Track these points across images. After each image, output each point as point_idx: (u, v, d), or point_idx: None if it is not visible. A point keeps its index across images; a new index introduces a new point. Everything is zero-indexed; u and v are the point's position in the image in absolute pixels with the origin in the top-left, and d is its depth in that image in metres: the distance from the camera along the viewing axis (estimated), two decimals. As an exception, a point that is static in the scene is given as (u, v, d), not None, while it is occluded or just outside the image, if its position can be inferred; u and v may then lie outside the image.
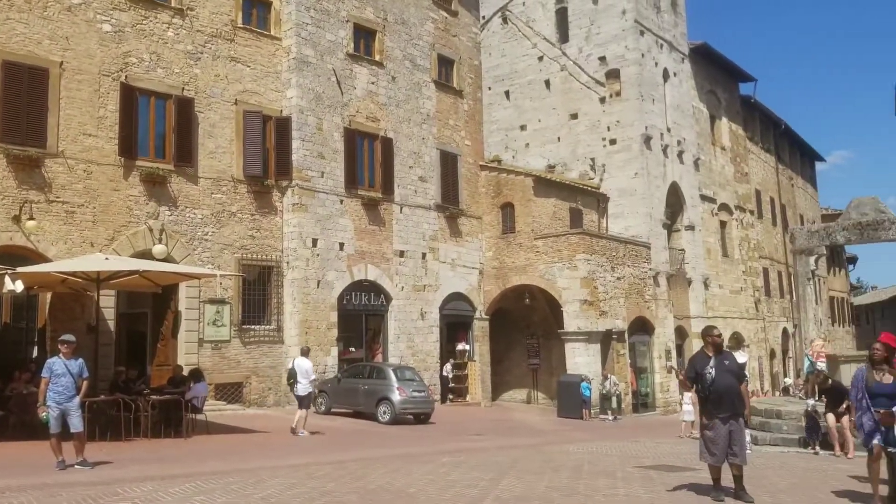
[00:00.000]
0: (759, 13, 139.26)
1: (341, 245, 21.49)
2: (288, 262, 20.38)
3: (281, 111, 20.81)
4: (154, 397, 14.03)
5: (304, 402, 15.03)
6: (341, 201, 21.70)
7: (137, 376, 15.67)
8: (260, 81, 20.51)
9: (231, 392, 19.12)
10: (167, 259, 17.54)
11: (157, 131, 18.33)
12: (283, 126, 20.66)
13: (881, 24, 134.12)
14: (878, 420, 7.73)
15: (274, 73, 20.89)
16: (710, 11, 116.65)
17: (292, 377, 15.33)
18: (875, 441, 7.72)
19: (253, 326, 19.67)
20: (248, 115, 19.98)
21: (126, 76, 17.65)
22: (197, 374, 15.29)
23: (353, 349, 21.89)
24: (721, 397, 7.95)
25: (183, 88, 18.64)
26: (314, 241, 20.74)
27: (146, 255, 17.06)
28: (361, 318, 22.34)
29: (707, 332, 8.45)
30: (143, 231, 17.62)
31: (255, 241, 19.92)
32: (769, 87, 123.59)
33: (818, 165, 53.53)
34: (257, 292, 19.97)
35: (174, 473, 9.53)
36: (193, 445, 13.00)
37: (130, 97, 17.68)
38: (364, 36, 23.23)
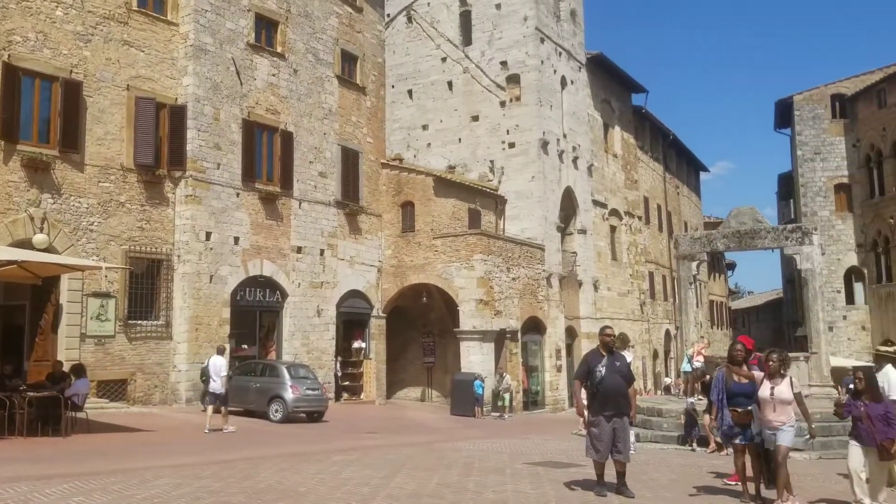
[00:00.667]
0: (652, 29, 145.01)
1: (236, 239, 21.00)
2: (179, 256, 19.76)
3: (176, 99, 20.15)
4: (31, 394, 13.31)
5: (217, 399, 15.23)
6: (238, 194, 21.22)
7: (13, 372, 14.85)
8: (154, 67, 19.79)
9: (115, 389, 18.38)
10: (48, 249, 16.67)
11: (41, 115, 17.39)
12: (177, 114, 20.00)
13: (764, 44, 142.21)
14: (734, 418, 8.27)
15: (170, 59, 20.20)
16: (607, 24, 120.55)
17: (205, 374, 15.58)
18: (736, 441, 8.24)
19: (140, 322, 18.97)
20: (141, 101, 19.24)
21: (9, 55, 16.67)
22: (78, 371, 14.61)
23: (245, 346, 21.43)
24: (608, 396, 8.26)
25: (71, 71, 17.76)
26: (208, 235, 20.19)
27: (26, 244, 16.20)
28: (255, 315, 21.91)
29: (601, 332, 8.78)
30: (24, 219, 16.69)
31: (144, 233, 19.21)
32: (660, 99, 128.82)
33: (702, 175, 56.32)
34: (145, 286, 19.25)
35: (51, 473, 9.11)
36: (73, 444, 12.44)
37: (13, 77, 16.71)
38: (266, 26, 22.79)
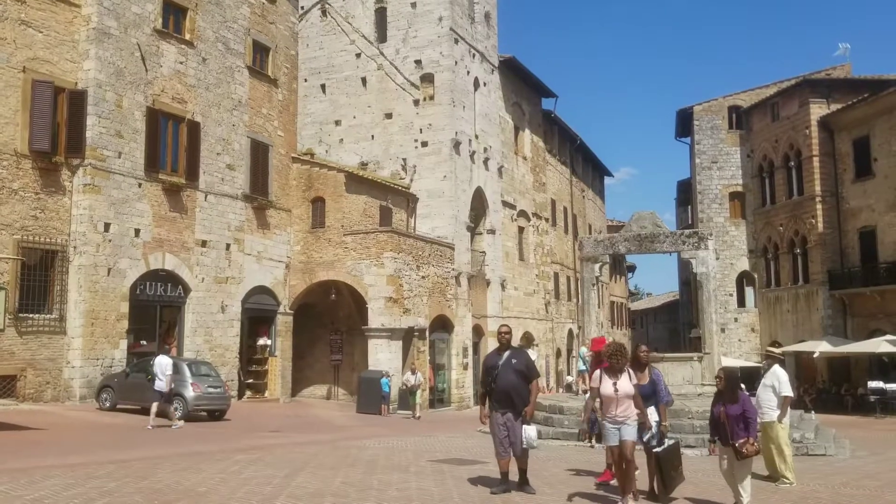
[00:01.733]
0: (562, 36, 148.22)
1: (137, 231, 20.31)
2: (75, 247, 18.96)
3: (76, 84, 19.33)
4: None
5: (160, 397, 15.83)
6: (140, 185, 20.52)
7: None
8: (53, 50, 18.93)
9: (3, 386, 17.50)
10: (-69, 237, 15.74)
11: (-75, 94, 16.40)
12: (77, 99, 19.18)
13: (667, 56, 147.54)
14: None
15: (70, 42, 19.36)
16: (520, 28, 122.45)
17: (150, 374, 16.15)
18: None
19: (32, 315, 18.11)
20: (38, 84, 18.37)
21: None
22: (-38, 366, 13.86)
23: (144, 342, 20.75)
24: (500, 393, 8.34)
25: (-40, 49, 16.82)
26: (106, 226, 19.45)
27: None
28: (156, 310, 21.25)
29: (498, 330, 8.93)
30: None
31: (38, 222, 18.34)
32: (568, 104, 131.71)
33: (607, 180, 58.02)
34: (38, 278, 18.39)
35: (-70, 476, 8.62)
36: (-45, 444, 11.79)
37: None
38: (174, 12, 22.14)
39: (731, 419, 7.88)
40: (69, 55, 19.30)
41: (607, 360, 8.11)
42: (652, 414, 8.58)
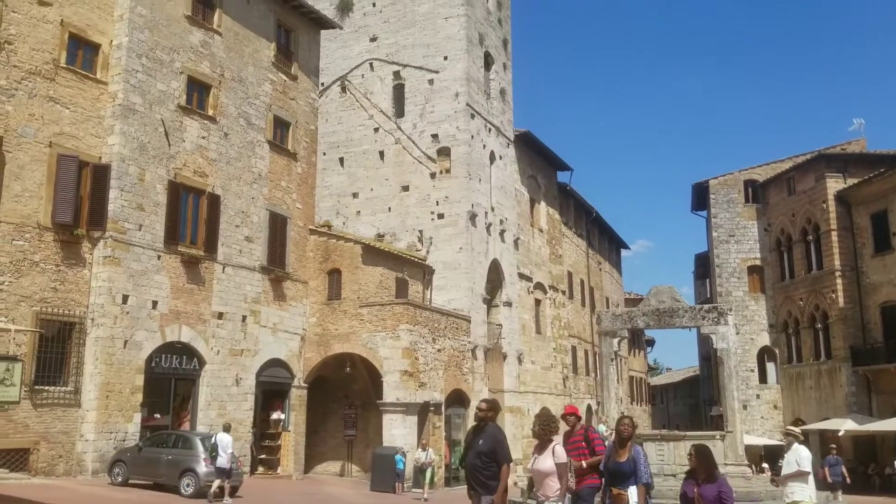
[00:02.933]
0: (578, 109, 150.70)
1: (154, 303, 20.34)
2: (93, 319, 18.97)
3: (100, 158, 19.68)
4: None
5: (223, 473, 16.23)
6: (159, 257, 20.66)
7: None
8: (80, 125, 19.35)
9: (16, 459, 17.27)
10: (-48, 309, 15.81)
11: (-46, 168, 16.74)
12: (101, 173, 19.51)
13: (682, 129, 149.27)
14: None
15: (96, 117, 19.81)
16: (535, 102, 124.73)
17: (214, 451, 16.38)
18: None
19: (47, 387, 18.01)
20: (63, 158, 18.72)
21: (-77, 105, 16.09)
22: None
23: (158, 416, 20.53)
24: (468, 475, 7.94)
25: (-10, 125, 17.24)
26: (125, 298, 19.50)
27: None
28: (170, 383, 21.07)
29: (477, 406, 8.41)
30: (-74, 276, 15.83)
31: (57, 293, 18.42)
32: (584, 176, 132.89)
33: (623, 252, 57.96)
34: (55, 350, 18.36)
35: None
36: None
37: (-74, 128, 16.09)
38: (198, 89, 22.66)
39: (706, 501, 7.23)
40: (94, 130, 19.72)
41: (533, 432, 7.69)
42: (631, 495, 8.13)
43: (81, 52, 19.75)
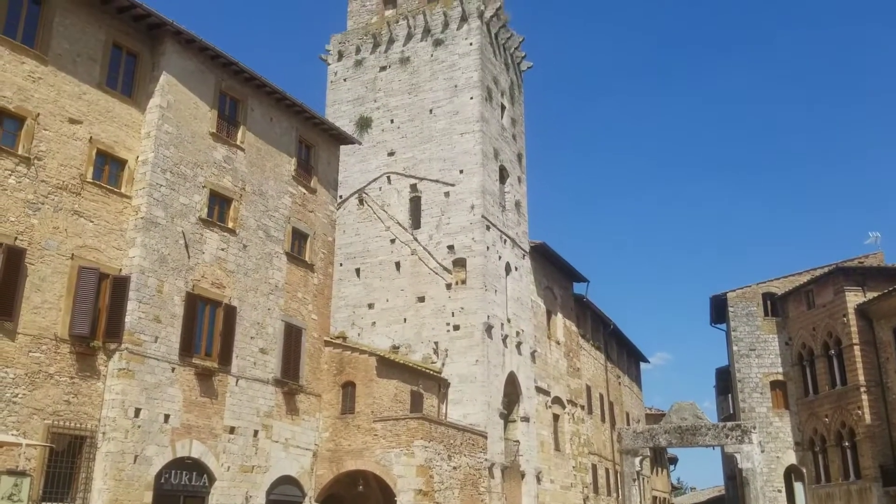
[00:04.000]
0: (594, 220, 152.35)
1: (167, 417, 20.00)
2: (104, 433, 18.61)
3: (120, 270, 19.86)
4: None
5: None
6: (173, 369, 20.48)
7: None
8: (102, 238, 19.63)
9: (12, 582, 16.57)
10: (-38, 422, 15.59)
11: (-24, 280, 16.89)
12: (120, 285, 19.63)
13: (699, 241, 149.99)
14: None
15: (119, 230, 20.11)
16: (550, 214, 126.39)
17: None
18: None
19: (53, 504, 17.52)
20: (84, 271, 18.90)
21: (-49, 219, 16.41)
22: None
23: (164, 535, 19.83)
24: None
25: (16, 238, 17.47)
26: (137, 411, 19.20)
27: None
28: (179, 500, 20.42)
29: None
30: (-61, 389, 15.70)
31: (70, 406, 18.17)
32: (600, 288, 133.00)
33: (643, 366, 57.06)
34: (65, 465, 17.93)
35: None
36: None
37: (-48, 241, 16.35)
38: (220, 202, 23.08)
39: None
40: (116, 243, 19.98)
41: None
42: None
43: (108, 167, 20.25)
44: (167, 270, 20.77)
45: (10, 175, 17.68)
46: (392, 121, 34.51)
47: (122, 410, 18.84)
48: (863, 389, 33.45)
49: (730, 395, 45.39)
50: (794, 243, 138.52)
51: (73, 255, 18.77)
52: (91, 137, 19.75)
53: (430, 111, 33.74)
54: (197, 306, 21.56)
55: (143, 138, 21.12)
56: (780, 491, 36.25)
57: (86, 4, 19.99)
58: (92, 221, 19.45)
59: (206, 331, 21.92)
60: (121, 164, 20.59)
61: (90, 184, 19.54)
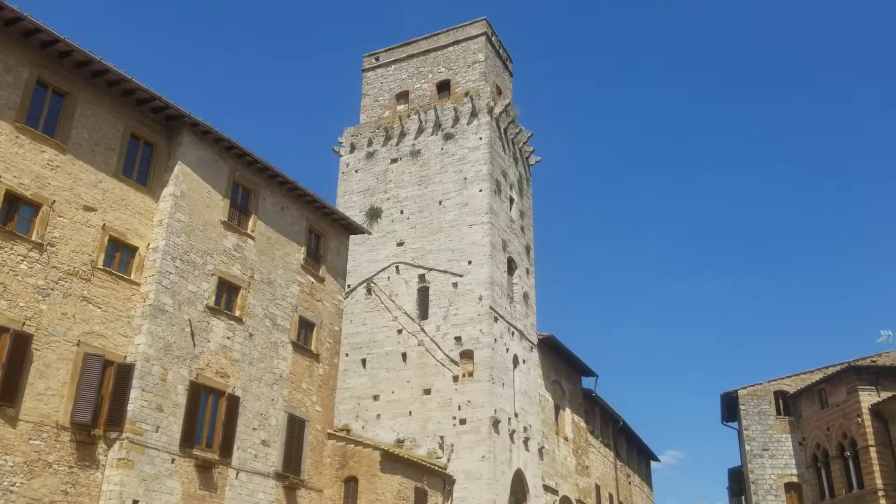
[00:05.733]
0: (603, 314, 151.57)
1: (164, 510, 19.45)
2: (99, 528, 18.09)
3: (125, 357, 19.70)
4: None
5: None
6: (173, 460, 20.02)
7: None
8: (109, 324, 19.57)
9: None
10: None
11: (-19, 366, 16.75)
12: (124, 373, 19.42)
13: (709, 337, 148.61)
14: None
15: (126, 317, 20.07)
16: (559, 307, 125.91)
17: None
18: None
19: None
20: (89, 357, 18.75)
21: (-39, 303, 16.42)
22: None
23: None
24: None
25: (24, 323, 17.44)
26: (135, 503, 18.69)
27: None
28: None
29: None
30: (-67, 477, 15.35)
31: (67, 497, 17.70)
32: (609, 383, 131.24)
33: (653, 464, 55.56)
34: (55, 560, 17.37)
35: None
36: None
37: (-42, 326, 16.30)
38: (227, 290, 23.08)
39: None
40: (123, 330, 19.90)
41: None
42: None
43: (119, 254, 20.38)
44: (172, 359, 20.60)
45: (23, 260, 17.80)
46: (402, 211, 34.90)
47: (120, 502, 18.32)
48: (881, 493, 32.40)
49: (743, 497, 44.02)
50: (805, 340, 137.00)
51: (79, 341, 18.66)
52: (104, 224, 19.96)
53: (440, 203, 34.15)
54: (200, 395, 21.26)
55: (156, 226, 21.34)
56: None
57: (108, 96, 20.59)
58: (100, 308, 19.43)
59: (209, 421, 21.54)
60: (132, 250, 20.73)
61: (101, 270, 19.62)
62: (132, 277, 20.52)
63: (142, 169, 21.50)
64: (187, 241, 21.78)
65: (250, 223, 24.28)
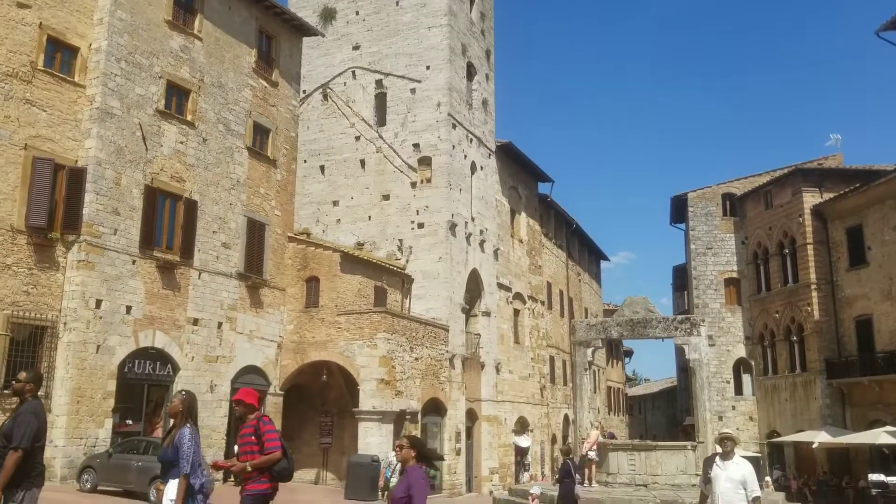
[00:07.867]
0: (559, 121, 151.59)
1: (128, 308, 20.20)
2: (65, 324, 18.82)
3: (76, 161, 19.58)
4: None
5: None
6: (134, 262, 20.54)
7: None
8: (56, 128, 19.25)
9: (-19, 464, 17.05)
10: (-80, 311, 15.65)
11: (-74, 169, 16.59)
12: (76, 177, 19.39)
13: (662, 142, 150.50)
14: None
15: (73, 120, 19.71)
16: (516, 114, 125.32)
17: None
18: None
19: (17, 391, 17.79)
20: (38, 161, 18.61)
21: None
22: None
23: (130, 422, 20.36)
24: None
25: (-36, 126, 17.12)
26: (98, 303, 19.35)
27: None
28: (143, 389, 20.92)
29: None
30: None
31: (29, 297, 18.27)
32: (565, 188, 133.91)
33: (604, 264, 58.23)
34: (26, 354, 18.16)
35: None
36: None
37: None
38: (177, 94, 22.60)
39: (394, 501, 6.20)
40: (71, 134, 19.62)
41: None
42: (169, 489, 6.67)
43: (59, 55, 19.66)
44: (125, 163, 20.51)
45: (-45, 61, 17.12)
46: (357, 12, 33.55)
47: (83, 301, 18.97)
48: (813, 287, 34.61)
49: (685, 292, 46.76)
50: (755, 146, 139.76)
51: (26, 145, 18.43)
52: (41, 23, 19.08)
53: (397, 3, 32.80)
54: (157, 200, 21.42)
55: (96, 25, 20.43)
56: (728, 382, 37.98)
57: None
58: (45, 111, 19.01)
59: (167, 224, 21.88)
60: (73, 51, 19.98)
61: (42, 72, 19.00)
62: (76, 80, 19.93)
63: (74, -38, 20.20)
64: (131, 41, 20.96)
65: (196, 22, 23.30)
